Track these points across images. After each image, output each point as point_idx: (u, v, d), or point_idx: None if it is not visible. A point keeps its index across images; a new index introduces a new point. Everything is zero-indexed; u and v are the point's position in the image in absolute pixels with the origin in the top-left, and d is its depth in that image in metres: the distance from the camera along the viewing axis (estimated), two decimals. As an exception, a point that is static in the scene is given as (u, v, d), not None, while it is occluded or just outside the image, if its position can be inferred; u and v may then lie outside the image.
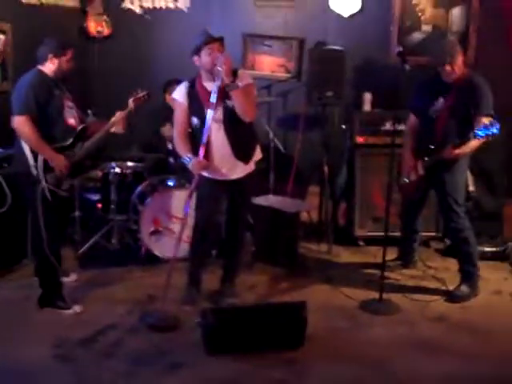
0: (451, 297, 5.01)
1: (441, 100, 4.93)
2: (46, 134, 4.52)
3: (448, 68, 4.81)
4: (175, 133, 4.74)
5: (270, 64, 7.18)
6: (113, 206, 5.86)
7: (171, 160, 5.94)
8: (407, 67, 4.70)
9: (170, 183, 5.80)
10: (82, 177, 5.53)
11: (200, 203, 4.84)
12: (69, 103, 4.71)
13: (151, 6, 7.35)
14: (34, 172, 4.51)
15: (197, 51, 4.53)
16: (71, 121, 4.70)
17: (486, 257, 5.68)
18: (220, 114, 4.57)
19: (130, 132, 5.40)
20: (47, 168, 4.53)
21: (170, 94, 5.13)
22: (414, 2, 6.78)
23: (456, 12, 6.75)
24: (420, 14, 6.81)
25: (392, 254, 5.50)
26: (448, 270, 5.57)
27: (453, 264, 5.47)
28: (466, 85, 4.83)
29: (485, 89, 4.82)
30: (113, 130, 5.00)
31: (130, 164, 6.04)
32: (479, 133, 4.53)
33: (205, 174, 4.69)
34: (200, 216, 4.84)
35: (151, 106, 5.66)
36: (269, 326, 4.18)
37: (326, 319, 4.65)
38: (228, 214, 4.97)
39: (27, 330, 4.42)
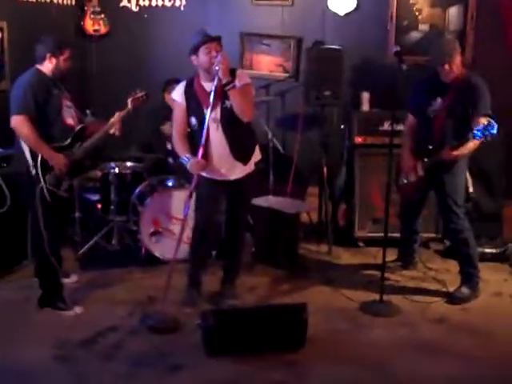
0: (452, 298, 5.02)
1: (439, 100, 4.93)
2: (45, 134, 4.51)
3: (446, 67, 4.81)
4: (174, 133, 4.74)
5: (267, 63, 7.19)
6: (112, 207, 5.85)
7: (170, 160, 5.94)
8: (404, 67, 4.70)
9: (170, 183, 5.79)
10: (81, 177, 5.53)
11: (199, 204, 4.84)
12: (67, 103, 4.70)
13: (147, 4, 7.34)
14: (33, 172, 4.50)
15: (194, 51, 4.52)
16: (69, 120, 4.70)
17: (485, 258, 5.67)
18: (218, 113, 4.57)
19: (129, 132, 5.38)
20: (46, 168, 4.53)
21: (169, 93, 5.13)
22: (411, 1, 6.80)
23: (453, 11, 6.76)
24: (417, 13, 6.82)
25: (392, 255, 5.50)
26: (448, 272, 5.58)
27: (453, 265, 5.48)
28: (464, 85, 4.83)
29: (483, 89, 4.82)
30: (111, 131, 4.98)
31: (129, 164, 6.03)
32: (477, 133, 4.53)
33: (204, 174, 4.68)
34: (199, 217, 4.84)
35: (150, 106, 5.64)
36: (269, 327, 4.18)
37: (327, 321, 4.65)
38: (228, 214, 4.96)
39: (27, 331, 4.42)
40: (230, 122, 4.56)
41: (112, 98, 6.43)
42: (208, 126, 4.51)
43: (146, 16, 7.37)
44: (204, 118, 4.51)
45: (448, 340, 4.43)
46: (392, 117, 4.89)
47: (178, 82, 5.04)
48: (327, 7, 6.87)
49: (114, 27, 7.34)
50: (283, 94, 6.46)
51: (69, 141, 4.66)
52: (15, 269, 5.39)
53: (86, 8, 7.20)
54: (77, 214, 5.84)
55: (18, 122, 4.45)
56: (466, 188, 5.25)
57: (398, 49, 4.84)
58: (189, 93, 4.65)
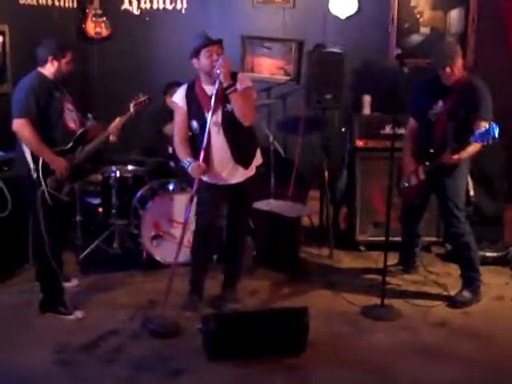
0: (453, 302, 5.01)
1: (440, 103, 4.93)
2: (46, 137, 4.52)
3: (448, 70, 4.80)
4: (175, 137, 4.74)
5: (269, 66, 7.19)
6: (114, 211, 5.84)
7: (172, 164, 5.92)
8: (406, 70, 4.68)
9: (171, 187, 5.77)
10: (82, 181, 5.51)
11: (200, 208, 4.84)
12: (69, 106, 4.70)
13: (149, 7, 7.35)
14: (34, 175, 4.50)
15: (196, 54, 4.52)
16: (71, 124, 4.70)
17: (487, 262, 5.66)
18: (219, 117, 4.56)
19: (130, 135, 5.38)
20: (47, 171, 4.53)
21: (171, 96, 5.11)
22: (412, 4, 6.78)
23: (454, 14, 6.75)
24: (418, 16, 6.81)
25: (393, 259, 5.50)
26: (450, 276, 5.57)
27: (454, 269, 5.47)
28: (466, 88, 4.83)
29: (484, 92, 4.81)
30: (110, 138, 4.98)
31: (130, 168, 6.03)
32: (478, 137, 4.52)
33: (205, 178, 4.68)
34: (201, 221, 4.84)
35: (151, 109, 5.64)
36: (270, 331, 4.18)
37: (328, 325, 4.65)
38: (229, 218, 4.97)
39: (28, 335, 4.42)
40: (231, 125, 4.56)
41: (113, 101, 6.44)
42: (209, 129, 4.51)
43: (147, 19, 7.38)
44: (205, 122, 4.51)
45: (449, 344, 4.43)
46: (393, 120, 4.89)
47: (179, 84, 5.04)
48: (328, 10, 6.87)
49: (116, 30, 7.35)
50: (284, 97, 6.47)
51: (70, 144, 4.66)
52: (16, 273, 5.40)
53: (87, 11, 7.21)
54: (78, 218, 5.83)
55: (20, 126, 4.45)
56: (467, 191, 5.24)
57: (400, 52, 4.83)
58: (190, 96, 4.65)
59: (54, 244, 4.61)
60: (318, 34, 6.79)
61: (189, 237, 5.22)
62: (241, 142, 4.65)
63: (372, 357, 4.24)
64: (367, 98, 6.36)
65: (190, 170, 4.57)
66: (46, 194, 4.52)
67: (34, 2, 6.46)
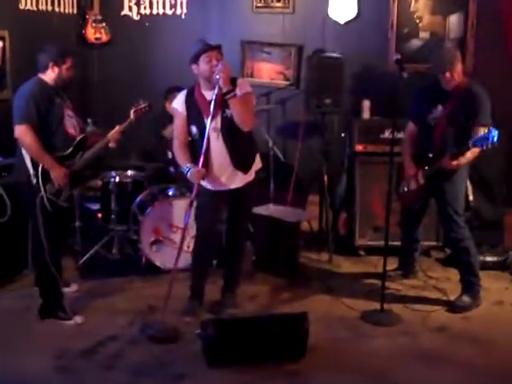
0: (452, 307, 5.00)
1: (439, 107, 4.93)
2: (46, 143, 4.52)
3: (448, 75, 4.80)
4: (175, 142, 4.74)
5: (268, 71, 7.20)
6: (113, 216, 5.84)
7: (171, 169, 5.93)
8: (405, 75, 4.67)
9: (170, 192, 5.76)
10: (81, 186, 5.51)
11: (200, 213, 4.85)
12: (69, 112, 4.70)
13: (149, 13, 7.37)
14: (34, 181, 4.50)
15: (195, 59, 4.53)
16: (71, 130, 4.70)
17: (486, 266, 5.66)
18: (218, 122, 4.57)
19: (129, 141, 5.38)
20: (47, 177, 4.53)
21: (171, 101, 5.12)
22: (411, 9, 6.80)
23: (453, 19, 6.76)
24: (417, 20, 6.82)
25: (393, 263, 5.49)
26: (449, 280, 5.56)
27: (454, 274, 5.47)
28: (465, 93, 4.83)
29: (483, 98, 4.82)
30: (110, 144, 4.99)
31: (129, 173, 6.03)
32: (477, 142, 4.53)
33: (204, 183, 4.68)
34: (201, 226, 4.84)
35: (151, 114, 5.64)
36: (270, 336, 4.17)
37: (327, 330, 4.64)
38: (228, 223, 4.97)
39: (28, 341, 4.41)
40: (230, 131, 4.57)
41: (113, 107, 6.51)
42: (208, 135, 4.52)
43: (147, 24, 7.40)
44: (204, 127, 4.51)
45: (449, 349, 4.42)
46: (393, 125, 4.88)
47: (179, 90, 5.05)
48: (328, 15, 6.88)
49: (116, 35, 7.36)
50: (284, 102, 6.48)
51: (70, 150, 4.67)
52: (16, 278, 5.39)
53: (87, 16, 7.22)
54: (77, 223, 5.82)
55: (22, 132, 4.45)
56: (466, 196, 5.24)
57: (399, 57, 4.83)
58: (189, 102, 4.66)
59: (53, 249, 4.61)
60: (317, 39, 6.81)
61: (188, 242, 5.24)
62: (240, 147, 4.65)
63: (372, 362, 4.23)
64: (366, 103, 6.37)
65: (189, 175, 4.58)
66: (46, 199, 4.52)
67: (34, 8, 6.46)
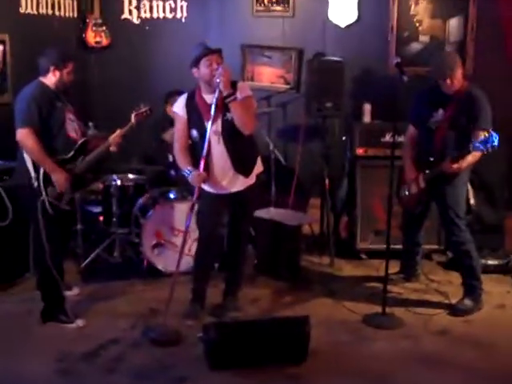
0: (454, 310, 5.00)
1: (440, 111, 4.93)
2: (48, 147, 4.52)
3: (448, 81, 4.81)
4: (176, 146, 4.75)
5: (269, 75, 7.22)
6: (114, 219, 5.84)
7: (172, 172, 5.93)
8: (405, 78, 4.67)
9: (172, 196, 5.77)
10: (83, 190, 5.50)
11: (201, 217, 4.85)
12: (70, 116, 4.71)
13: (149, 16, 7.38)
14: (35, 184, 4.50)
15: (195, 63, 4.53)
16: (72, 133, 4.70)
17: (488, 270, 5.65)
18: (219, 126, 4.57)
19: (130, 144, 5.38)
20: (48, 181, 4.53)
21: (171, 105, 5.12)
22: (411, 12, 6.82)
23: (453, 22, 6.78)
24: (417, 24, 6.85)
25: (394, 267, 5.49)
26: (451, 284, 5.57)
27: (455, 277, 5.48)
28: (466, 97, 4.84)
29: (484, 102, 4.82)
30: (111, 148, 4.99)
31: (131, 176, 6.03)
32: (478, 146, 4.52)
33: (205, 187, 4.69)
34: (202, 230, 4.85)
35: (152, 118, 5.60)
36: (271, 340, 4.17)
37: (329, 333, 4.63)
38: (230, 227, 4.98)
39: (29, 344, 4.41)
40: (231, 134, 4.57)
41: (113, 110, 6.51)
42: (209, 138, 4.52)
43: (147, 28, 7.41)
44: (205, 131, 4.51)
45: (451, 352, 4.41)
46: (393, 128, 4.88)
47: (180, 93, 5.06)
48: (328, 19, 6.91)
49: (116, 39, 7.37)
50: (284, 106, 6.50)
51: (71, 153, 4.67)
52: (17, 281, 5.39)
53: (87, 20, 7.23)
54: (79, 227, 5.81)
55: (24, 135, 4.45)
56: (468, 200, 5.24)
57: (399, 60, 4.82)
58: (190, 105, 4.66)
59: (54, 253, 4.60)
60: (317, 43, 6.84)
61: (190, 245, 5.24)
62: (241, 150, 4.65)
63: (373, 365, 4.22)
64: (367, 106, 6.38)
65: (190, 178, 4.58)
66: (47, 203, 4.52)
67: (35, 12, 6.48)
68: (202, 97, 4.62)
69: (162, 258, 5.59)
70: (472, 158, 4.74)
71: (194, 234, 5.10)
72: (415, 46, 6.88)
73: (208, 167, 4.61)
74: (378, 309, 4.86)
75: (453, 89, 4.85)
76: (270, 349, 4.15)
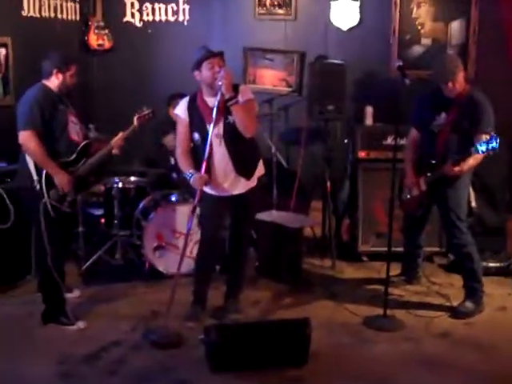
0: (455, 313, 5.00)
1: (443, 115, 4.93)
2: (50, 149, 4.53)
3: (450, 85, 4.82)
4: (177, 148, 4.76)
5: (271, 78, 7.22)
6: (116, 221, 5.85)
7: (174, 175, 5.94)
8: (407, 81, 4.67)
9: (173, 198, 5.77)
10: (85, 192, 5.51)
11: (203, 220, 4.87)
12: (73, 119, 4.71)
13: (151, 19, 7.39)
14: (37, 187, 4.51)
15: (197, 66, 4.54)
16: (75, 136, 4.70)
17: (489, 272, 5.65)
18: (221, 129, 4.58)
19: (132, 146, 5.38)
20: (50, 183, 4.53)
21: (174, 107, 5.13)
22: (413, 15, 6.82)
23: (455, 25, 6.78)
24: (419, 27, 6.85)
25: (396, 269, 5.49)
26: (452, 286, 5.56)
27: (457, 280, 5.47)
28: (467, 100, 4.84)
29: (486, 106, 4.82)
30: (113, 151, 4.99)
31: (132, 179, 6.03)
32: (479, 148, 4.53)
33: (207, 190, 4.69)
34: (204, 232, 4.86)
35: (154, 120, 5.63)
36: (272, 342, 4.17)
37: (330, 335, 4.64)
38: (231, 229, 4.98)
39: (30, 347, 4.42)
40: (232, 137, 4.57)
41: (115, 113, 6.52)
42: (211, 141, 4.53)
43: (149, 31, 7.42)
44: (207, 134, 4.52)
45: (452, 354, 4.41)
46: (395, 131, 4.88)
47: (182, 96, 5.06)
48: (330, 22, 6.91)
49: (118, 42, 7.38)
50: (286, 109, 6.52)
51: (74, 156, 4.67)
52: (19, 284, 5.40)
53: (90, 23, 7.25)
54: (80, 229, 5.83)
55: (26, 138, 4.46)
56: (469, 202, 5.24)
57: (401, 63, 4.82)
58: (192, 108, 4.67)
59: (56, 255, 4.60)
60: (319, 46, 6.85)
61: (191, 247, 5.25)
62: (242, 153, 4.65)
63: (374, 368, 4.22)
64: (369, 109, 6.38)
65: (191, 181, 4.59)
66: (49, 205, 4.53)
67: (37, 15, 6.49)
68: (203, 100, 4.63)
69: (164, 260, 5.59)
70: (473, 160, 4.74)
71: (196, 236, 5.11)
72: (417, 49, 6.89)
73: (210, 170, 4.62)
74: (380, 311, 4.86)
75: (455, 92, 4.85)
76: (271, 351, 4.15)
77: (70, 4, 7.03)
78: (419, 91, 5.19)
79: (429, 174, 4.97)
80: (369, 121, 6.39)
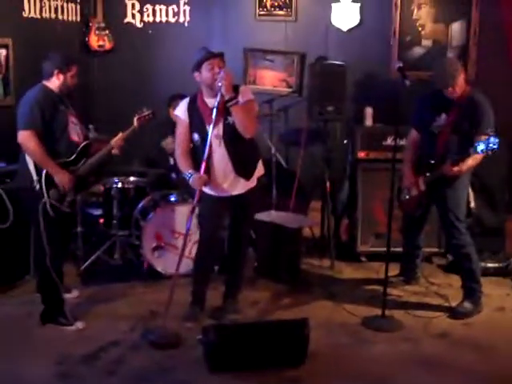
0: (454, 313, 5.00)
1: (443, 116, 4.93)
2: (50, 150, 4.53)
3: (450, 89, 4.82)
4: (177, 149, 4.77)
5: (271, 79, 7.23)
6: (115, 222, 5.84)
7: (173, 175, 5.95)
8: (407, 82, 4.67)
9: (172, 198, 5.78)
10: (84, 192, 5.52)
11: (202, 220, 4.87)
12: (73, 119, 4.71)
13: (152, 20, 7.40)
14: (37, 187, 4.51)
15: (197, 67, 4.55)
16: (75, 137, 4.70)
17: (488, 273, 5.65)
18: (220, 130, 4.58)
19: (132, 147, 5.39)
20: (50, 183, 4.53)
21: (174, 108, 5.13)
22: (414, 16, 6.82)
23: (456, 27, 6.78)
24: (420, 28, 6.85)
25: (394, 269, 5.49)
26: (451, 287, 5.56)
27: (455, 280, 5.47)
28: (468, 102, 4.84)
29: (486, 107, 4.82)
30: (113, 151, 5.00)
31: (132, 179, 6.03)
32: (478, 148, 4.52)
33: (206, 190, 4.70)
34: (204, 232, 4.86)
35: (155, 121, 5.65)
36: (271, 343, 4.17)
37: (329, 336, 4.64)
38: (230, 229, 4.99)
39: (29, 347, 4.42)
40: (232, 138, 4.58)
41: (116, 114, 6.53)
42: (210, 142, 4.53)
43: (150, 32, 7.43)
44: (206, 134, 4.52)
45: (450, 355, 4.41)
46: (395, 132, 4.88)
47: (182, 97, 5.07)
48: (330, 23, 6.91)
49: (119, 43, 7.39)
50: (286, 109, 6.52)
51: (74, 156, 4.68)
52: (17, 284, 5.40)
53: (90, 24, 7.25)
54: (79, 229, 5.81)
55: (25, 137, 4.47)
56: (468, 203, 5.24)
57: (401, 64, 4.83)
58: (192, 109, 4.68)
59: (55, 255, 4.60)
60: (319, 47, 6.85)
61: (190, 248, 5.25)
62: (242, 154, 4.66)
63: (373, 368, 4.22)
64: (369, 110, 6.38)
65: (191, 181, 4.59)
66: (48, 205, 4.53)
67: (38, 16, 6.50)
68: (203, 101, 4.64)
69: (162, 261, 5.59)
70: (472, 160, 4.74)
71: (195, 236, 5.12)
72: (417, 51, 6.89)
73: (209, 170, 4.62)
74: (378, 311, 4.86)
75: (455, 95, 4.86)
76: (269, 351, 4.15)
77: (70, 5, 7.03)
78: (419, 92, 5.19)
79: (428, 174, 4.97)
80: (368, 122, 6.39)
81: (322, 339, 4.51)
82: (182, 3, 7.32)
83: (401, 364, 4.28)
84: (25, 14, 6.33)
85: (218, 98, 4.45)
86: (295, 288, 5.51)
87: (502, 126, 4.98)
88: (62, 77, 4.61)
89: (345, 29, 6.92)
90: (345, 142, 6.59)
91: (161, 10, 7.38)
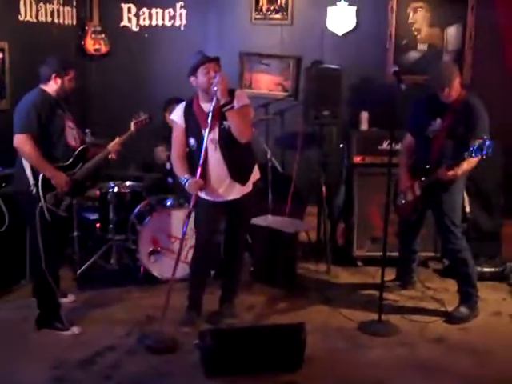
0: (450, 318, 5.00)
1: (438, 120, 4.94)
2: (47, 154, 4.52)
3: (446, 91, 4.83)
4: (173, 153, 4.76)
5: (267, 82, 7.24)
6: (111, 226, 5.84)
7: (169, 180, 5.94)
8: (403, 86, 4.67)
9: (169, 203, 5.77)
10: (81, 196, 5.51)
11: (198, 224, 4.85)
12: (70, 124, 4.71)
13: (148, 24, 7.40)
14: (34, 191, 4.50)
15: (193, 71, 4.55)
16: (72, 141, 4.69)
17: (484, 277, 5.66)
18: (216, 134, 4.58)
19: (128, 151, 5.39)
20: (47, 187, 4.53)
21: (170, 113, 5.13)
22: (409, 20, 6.84)
23: (451, 31, 6.80)
24: (416, 32, 6.87)
25: (391, 274, 5.49)
26: (447, 291, 5.56)
27: (452, 285, 5.46)
28: (463, 106, 4.85)
29: (481, 111, 4.83)
30: (110, 156, 5.00)
31: (128, 183, 6.03)
32: (473, 152, 4.53)
33: (202, 195, 4.69)
34: (199, 237, 4.85)
35: (151, 125, 5.65)
36: (267, 347, 4.17)
37: (325, 340, 4.64)
38: (226, 234, 4.98)
39: (25, 351, 4.41)
40: (228, 142, 4.57)
41: (112, 118, 6.53)
42: (206, 146, 4.53)
43: (146, 36, 7.43)
44: (202, 139, 4.52)
45: (447, 360, 4.41)
46: (391, 136, 4.89)
47: (178, 101, 5.07)
48: (326, 27, 6.92)
49: (115, 47, 7.40)
50: (282, 113, 6.52)
51: (70, 160, 4.67)
52: (13, 288, 5.38)
53: (86, 28, 7.26)
54: (75, 233, 5.81)
55: (21, 141, 4.46)
56: (463, 207, 5.24)
57: (397, 68, 4.84)
58: (188, 114, 4.67)
59: (51, 260, 4.60)
60: (315, 51, 6.85)
61: (186, 252, 5.25)
62: (238, 158, 4.65)
63: (369, 372, 4.22)
64: (365, 114, 6.40)
65: (187, 186, 4.58)
66: (45, 209, 4.52)
67: (34, 19, 6.50)
68: (199, 105, 4.64)
69: (159, 265, 5.58)
70: (467, 165, 4.75)
71: (191, 241, 5.11)
72: (413, 55, 6.91)
73: (205, 175, 4.62)
74: (374, 316, 4.86)
75: (450, 98, 4.87)
76: (265, 356, 4.15)
77: (66, 9, 7.04)
78: (415, 96, 5.21)
79: (423, 179, 4.98)
80: (364, 126, 6.41)
81: (319, 344, 4.50)
82: (178, 7, 7.34)
83: (397, 369, 4.28)
84: (21, 18, 6.34)
85: (214, 103, 4.44)
86: (291, 292, 5.50)
87: (497, 130, 4.98)
88: (59, 81, 4.60)
89: (340, 33, 6.93)
90: (341, 146, 6.59)
91: (157, 13, 7.40)
